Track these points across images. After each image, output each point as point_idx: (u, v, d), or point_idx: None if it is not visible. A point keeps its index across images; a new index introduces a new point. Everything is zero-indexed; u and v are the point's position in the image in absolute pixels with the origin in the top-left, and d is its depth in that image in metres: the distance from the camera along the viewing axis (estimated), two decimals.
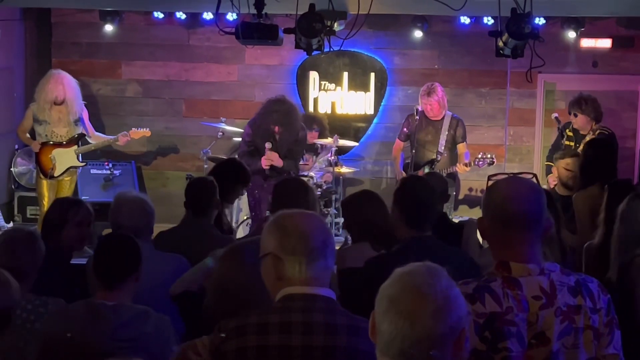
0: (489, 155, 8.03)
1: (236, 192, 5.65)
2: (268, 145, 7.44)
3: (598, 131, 7.71)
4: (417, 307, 1.83)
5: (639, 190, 4.53)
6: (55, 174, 8.18)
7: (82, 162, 8.34)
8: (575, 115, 7.74)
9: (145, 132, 8.62)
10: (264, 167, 7.45)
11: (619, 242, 4.20)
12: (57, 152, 8.19)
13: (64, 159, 8.21)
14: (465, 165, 8.02)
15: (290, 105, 7.64)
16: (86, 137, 8.41)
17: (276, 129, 7.47)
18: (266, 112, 7.53)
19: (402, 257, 2.12)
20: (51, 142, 8.20)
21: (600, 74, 9.27)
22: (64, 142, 8.23)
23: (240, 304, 2.72)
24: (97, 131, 8.60)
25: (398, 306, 1.84)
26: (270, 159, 7.44)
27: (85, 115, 8.40)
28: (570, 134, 7.92)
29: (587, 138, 7.66)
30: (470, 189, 9.45)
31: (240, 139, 8.00)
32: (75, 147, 8.29)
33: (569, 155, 6.60)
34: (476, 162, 8.02)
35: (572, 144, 7.84)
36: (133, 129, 8.60)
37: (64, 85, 8.19)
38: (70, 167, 8.26)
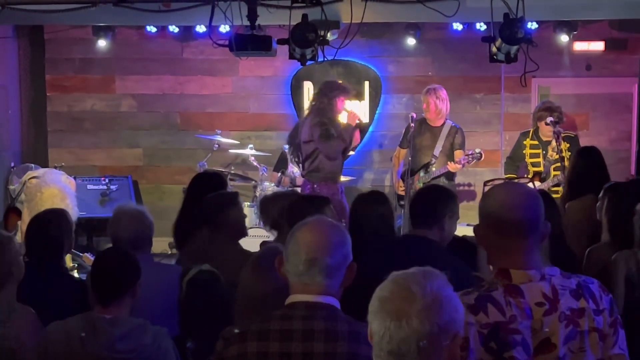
0: (476, 151, 7.88)
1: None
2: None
3: (563, 134, 7.60)
4: (404, 306, 1.83)
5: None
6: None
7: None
8: (557, 123, 7.65)
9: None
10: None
11: None
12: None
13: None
14: (457, 163, 7.91)
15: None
16: None
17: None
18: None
19: None
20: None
21: (594, 76, 9.27)
22: None
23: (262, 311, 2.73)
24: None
25: (387, 306, 1.85)
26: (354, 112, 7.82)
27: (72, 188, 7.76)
28: (535, 142, 7.88)
29: (554, 143, 7.58)
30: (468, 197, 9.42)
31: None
32: None
33: None
34: (465, 160, 7.87)
35: (540, 151, 7.81)
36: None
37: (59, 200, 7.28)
38: None
